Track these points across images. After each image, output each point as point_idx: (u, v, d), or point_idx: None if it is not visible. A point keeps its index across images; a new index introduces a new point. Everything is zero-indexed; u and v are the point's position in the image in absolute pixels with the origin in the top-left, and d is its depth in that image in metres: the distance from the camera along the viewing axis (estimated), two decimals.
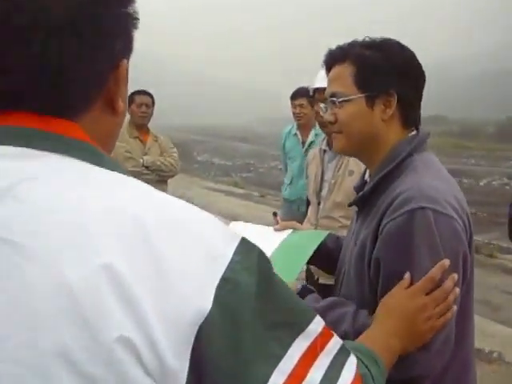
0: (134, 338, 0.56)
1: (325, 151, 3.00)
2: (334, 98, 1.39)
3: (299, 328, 0.69)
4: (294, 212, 4.79)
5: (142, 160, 4.39)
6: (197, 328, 0.59)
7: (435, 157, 1.43)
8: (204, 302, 0.59)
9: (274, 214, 1.80)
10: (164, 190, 4.50)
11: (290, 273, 1.39)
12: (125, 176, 0.72)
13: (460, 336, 1.29)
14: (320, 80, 2.71)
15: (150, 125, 4.66)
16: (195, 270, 0.61)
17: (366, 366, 0.83)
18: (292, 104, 4.81)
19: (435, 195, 1.21)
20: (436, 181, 1.28)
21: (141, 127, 4.55)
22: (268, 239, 1.61)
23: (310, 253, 1.53)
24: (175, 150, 4.75)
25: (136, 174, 4.30)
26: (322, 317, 1.20)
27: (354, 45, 1.41)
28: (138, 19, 0.77)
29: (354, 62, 1.37)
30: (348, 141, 1.41)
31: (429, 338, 1.17)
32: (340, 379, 0.70)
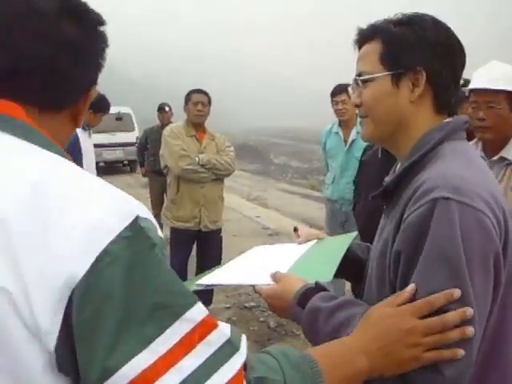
0: (12, 290, 0.63)
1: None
2: (358, 78, 1.27)
3: (177, 312, 0.69)
4: (337, 212, 4.70)
5: (197, 158, 4.36)
6: (69, 292, 0.63)
7: (472, 147, 1.25)
8: (79, 267, 0.64)
9: (295, 230, 1.70)
10: (220, 189, 4.55)
11: (326, 273, 1.30)
12: (46, 151, 0.78)
13: (492, 357, 1.11)
14: (477, 80, 2.58)
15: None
16: (80, 236, 0.65)
17: (283, 373, 0.78)
18: (333, 101, 4.69)
19: (462, 185, 1.06)
20: (467, 171, 1.11)
21: (197, 126, 4.54)
22: (290, 253, 1.54)
23: (343, 251, 1.43)
24: (232, 148, 4.71)
25: (191, 172, 4.30)
26: (329, 317, 1.11)
27: (384, 21, 1.28)
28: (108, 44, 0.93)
29: (381, 38, 1.25)
30: (375, 126, 1.28)
31: (411, 367, 0.98)
32: (215, 375, 0.68)
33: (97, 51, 0.89)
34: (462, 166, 1.12)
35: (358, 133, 4.62)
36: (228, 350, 0.71)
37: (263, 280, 1.29)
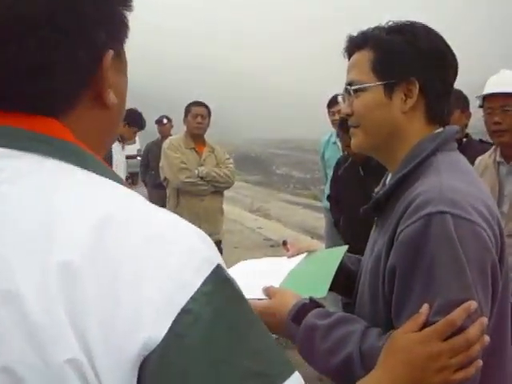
0: (81, 360, 0.53)
1: (499, 163, 2.75)
2: (349, 87, 1.25)
3: (272, 381, 0.57)
4: None
5: (196, 171, 4.37)
6: (142, 359, 0.53)
7: (464, 158, 1.25)
8: (156, 332, 0.54)
9: (284, 243, 1.65)
10: (220, 201, 4.55)
11: (320, 289, 1.27)
12: (105, 179, 0.66)
13: (492, 369, 1.10)
14: (490, 87, 2.65)
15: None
16: (153, 296, 0.55)
17: None
18: (329, 112, 4.73)
19: (458, 198, 1.05)
20: (461, 183, 1.10)
21: (197, 138, 4.55)
22: (281, 267, 1.50)
23: (336, 265, 1.40)
24: (231, 161, 4.72)
25: (191, 185, 4.30)
26: (327, 335, 1.09)
27: (375, 29, 1.26)
28: (128, 7, 0.74)
29: (373, 47, 1.23)
30: (365, 136, 1.26)
31: None
32: None
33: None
34: (455, 178, 1.11)
35: None
36: None
37: (255, 294, 1.25)
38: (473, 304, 0.97)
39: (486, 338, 0.98)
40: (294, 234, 9.78)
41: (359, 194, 3.60)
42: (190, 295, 0.56)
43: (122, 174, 4.73)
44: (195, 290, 0.56)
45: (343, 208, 3.86)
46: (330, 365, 1.12)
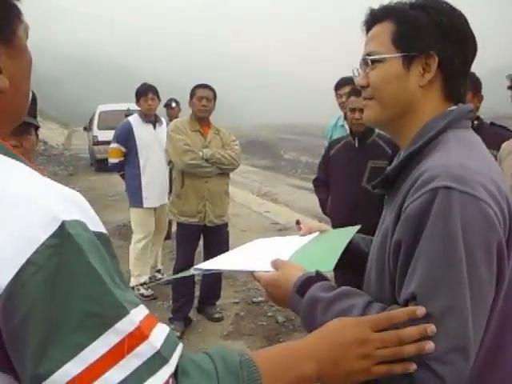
0: None
1: None
2: (367, 57, 1.23)
3: (108, 322, 0.68)
4: None
5: (201, 153, 4.34)
6: None
7: (477, 137, 1.22)
8: (2, 279, 0.65)
9: (297, 223, 1.67)
10: (226, 184, 4.54)
11: (327, 263, 1.27)
12: None
13: (496, 351, 1.08)
14: None
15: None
16: (3, 248, 0.66)
17: (217, 377, 0.76)
18: (337, 94, 4.70)
19: (465, 175, 1.02)
20: (469, 160, 1.08)
21: (202, 120, 4.52)
22: (292, 243, 1.51)
23: (346, 243, 1.41)
24: (237, 142, 4.68)
25: (195, 167, 4.28)
26: (328, 308, 1.11)
27: (397, 3, 1.24)
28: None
29: (394, 20, 1.21)
30: (380, 108, 1.24)
31: (360, 379, 0.95)
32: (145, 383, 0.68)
33: None
34: (464, 155, 1.09)
35: None
36: (157, 361, 0.70)
37: (263, 267, 1.27)
38: (419, 310, 0.96)
39: (429, 346, 0.95)
40: (301, 218, 9.78)
41: (351, 172, 3.66)
42: (35, 248, 0.66)
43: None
44: (40, 243, 0.66)
45: (333, 188, 3.87)
46: None
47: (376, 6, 1.27)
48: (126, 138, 5.28)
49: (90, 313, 0.67)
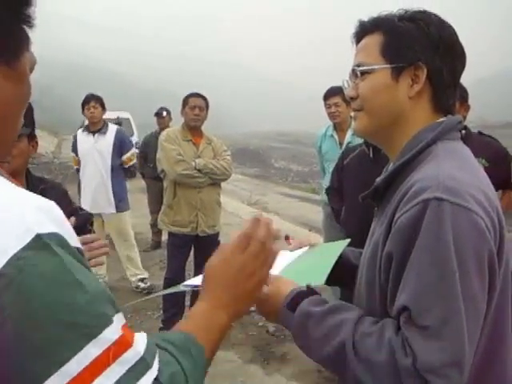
0: None
1: None
2: (356, 68, 1.25)
3: (90, 333, 0.67)
4: None
5: (193, 163, 4.34)
6: None
7: (466, 148, 1.23)
8: None
9: (286, 238, 1.66)
10: (217, 193, 4.54)
11: (318, 277, 1.26)
12: None
13: (488, 360, 1.09)
14: None
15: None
16: None
17: (178, 361, 0.78)
18: (326, 104, 4.68)
19: (456, 186, 1.04)
20: (459, 171, 1.09)
21: (194, 130, 4.51)
22: (282, 258, 1.46)
23: (336, 256, 1.40)
24: (229, 152, 4.68)
25: (188, 177, 4.28)
26: (320, 322, 1.12)
27: (387, 15, 1.26)
28: (29, 24, 0.84)
29: (383, 31, 1.23)
30: (369, 119, 1.25)
31: (257, 293, 1.01)
32: None
33: None
34: (455, 167, 1.10)
35: (353, 135, 4.61)
36: (141, 367, 0.71)
37: None
38: (264, 218, 1.00)
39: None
40: (291, 227, 9.78)
41: (365, 183, 3.59)
42: (6, 260, 0.63)
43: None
44: (11, 255, 0.64)
45: (346, 198, 3.83)
46: (323, 353, 1.12)
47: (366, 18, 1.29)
48: (74, 147, 5.65)
49: (72, 325, 0.65)
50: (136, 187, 9.50)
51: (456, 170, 1.09)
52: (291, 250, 1.58)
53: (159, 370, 0.73)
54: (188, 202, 4.38)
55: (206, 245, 4.53)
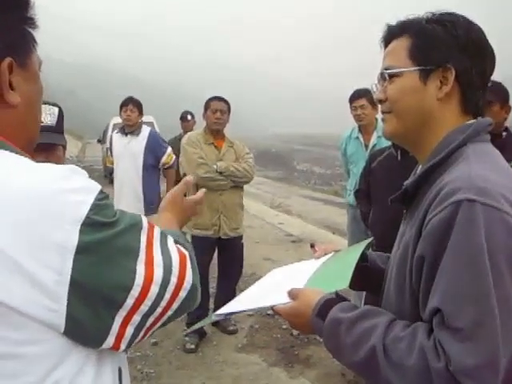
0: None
1: None
2: (384, 71, 1.26)
3: (139, 226, 0.93)
4: (359, 218, 4.56)
5: (215, 166, 4.35)
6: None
7: (496, 150, 1.21)
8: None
9: (311, 246, 1.67)
10: (240, 196, 4.55)
11: (342, 281, 1.26)
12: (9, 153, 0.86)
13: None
14: None
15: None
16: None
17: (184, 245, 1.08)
18: (351, 107, 4.66)
19: (487, 187, 1.03)
20: (490, 172, 1.08)
21: (216, 133, 4.53)
22: (308, 268, 1.51)
23: (357, 257, 1.40)
24: (251, 155, 4.68)
25: (209, 180, 4.29)
26: (351, 328, 1.12)
27: (414, 18, 1.26)
28: (32, 26, 0.93)
29: (411, 34, 1.24)
30: (398, 121, 1.25)
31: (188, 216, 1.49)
32: (171, 254, 0.97)
33: None
34: (486, 168, 1.09)
35: (378, 137, 4.59)
36: (164, 236, 1.00)
37: (280, 299, 1.28)
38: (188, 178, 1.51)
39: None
40: (315, 230, 9.75)
41: (393, 185, 3.54)
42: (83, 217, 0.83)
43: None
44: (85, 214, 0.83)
45: (374, 201, 3.80)
46: (355, 358, 1.12)
47: (393, 22, 1.28)
48: (110, 147, 5.79)
49: (130, 225, 0.90)
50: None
51: (487, 171, 1.08)
52: (316, 258, 1.58)
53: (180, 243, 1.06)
54: (210, 204, 4.39)
55: (229, 247, 4.54)
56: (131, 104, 5.38)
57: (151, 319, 0.92)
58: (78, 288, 0.79)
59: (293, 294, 1.26)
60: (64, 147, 2.42)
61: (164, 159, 5.41)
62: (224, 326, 4.81)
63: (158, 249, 0.94)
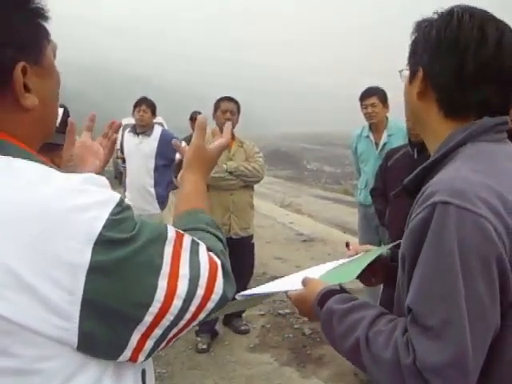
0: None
1: None
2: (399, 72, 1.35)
3: (163, 238, 0.89)
4: (370, 216, 4.59)
5: (225, 166, 4.35)
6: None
7: (504, 149, 1.17)
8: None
9: (346, 245, 1.71)
10: (250, 196, 4.55)
11: (348, 276, 1.38)
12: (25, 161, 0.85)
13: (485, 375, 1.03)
14: None
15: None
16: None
17: (221, 240, 1.08)
18: (362, 105, 4.65)
19: (465, 189, 1.02)
20: (476, 173, 1.06)
21: None
22: (334, 264, 1.59)
23: (372, 256, 1.45)
24: (261, 155, 4.68)
25: (219, 180, 4.29)
26: (342, 319, 1.20)
27: (422, 19, 1.28)
28: (42, 17, 0.90)
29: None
30: (407, 119, 1.37)
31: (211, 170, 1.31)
32: (201, 264, 0.92)
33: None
34: (473, 169, 1.07)
35: (389, 136, 4.56)
36: (195, 245, 0.95)
37: (295, 286, 1.37)
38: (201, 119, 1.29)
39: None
40: (326, 229, 9.73)
41: None
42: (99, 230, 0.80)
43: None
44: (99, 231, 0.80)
45: (390, 199, 3.78)
46: (343, 347, 1.17)
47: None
48: (121, 145, 5.81)
49: (152, 239, 0.86)
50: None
51: (472, 173, 1.06)
52: (348, 257, 1.63)
53: (211, 247, 0.99)
54: (220, 204, 4.39)
55: (239, 247, 4.53)
56: (144, 104, 5.40)
57: (174, 330, 0.89)
58: (91, 307, 0.77)
59: (304, 282, 1.35)
60: None
61: (178, 156, 5.41)
62: (236, 325, 4.81)
63: (186, 260, 0.90)
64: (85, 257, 0.76)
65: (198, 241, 0.96)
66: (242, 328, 4.80)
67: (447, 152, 1.16)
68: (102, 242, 0.78)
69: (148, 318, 0.83)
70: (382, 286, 3.13)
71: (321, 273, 1.45)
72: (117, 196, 0.84)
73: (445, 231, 1.00)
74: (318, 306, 1.24)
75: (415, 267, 1.05)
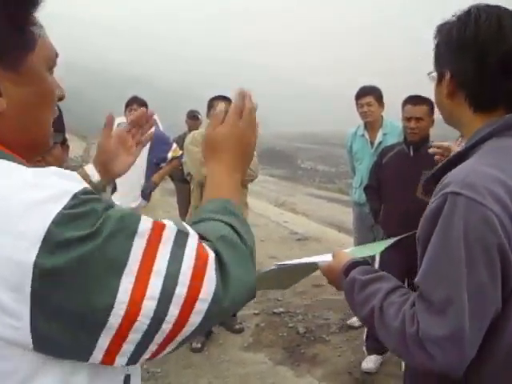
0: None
1: None
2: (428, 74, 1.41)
3: (131, 232, 0.77)
4: (365, 215, 4.61)
5: None
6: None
7: None
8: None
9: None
10: (244, 195, 4.53)
11: (374, 251, 1.66)
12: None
13: (484, 352, 1.14)
14: None
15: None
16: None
17: (226, 222, 0.91)
18: (358, 104, 4.66)
19: (475, 181, 1.10)
20: (491, 167, 1.14)
21: None
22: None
23: (392, 240, 1.67)
24: (255, 154, 4.64)
25: None
26: (362, 289, 1.31)
27: (444, 22, 1.34)
28: (25, 22, 0.85)
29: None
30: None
31: (251, 156, 1.12)
32: (184, 257, 0.79)
33: None
34: (488, 163, 1.15)
35: (384, 134, 4.58)
36: (182, 236, 0.82)
37: (325, 258, 1.52)
38: (247, 91, 1.09)
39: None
40: (320, 228, 9.75)
41: (405, 181, 3.53)
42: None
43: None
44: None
45: (385, 197, 3.79)
46: (361, 315, 1.30)
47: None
48: None
49: (117, 230, 0.76)
50: (165, 189, 9.58)
51: (487, 167, 1.13)
52: None
53: (206, 235, 0.86)
54: None
55: None
56: (136, 103, 5.37)
57: (160, 335, 0.79)
58: (42, 307, 0.73)
59: (333, 254, 1.48)
60: (64, 145, 2.41)
61: (170, 156, 5.42)
62: (230, 324, 4.81)
63: (165, 254, 0.79)
64: (30, 256, 0.71)
65: (189, 231, 0.84)
66: (237, 327, 4.80)
67: (472, 146, 1.22)
68: (51, 240, 0.72)
69: (113, 321, 0.75)
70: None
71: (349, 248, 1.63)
72: (76, 187, 0.77)
73: (453, 219, 1.09)
74: (344, 275, 1.36)
75: (424, 251, 1.16)
